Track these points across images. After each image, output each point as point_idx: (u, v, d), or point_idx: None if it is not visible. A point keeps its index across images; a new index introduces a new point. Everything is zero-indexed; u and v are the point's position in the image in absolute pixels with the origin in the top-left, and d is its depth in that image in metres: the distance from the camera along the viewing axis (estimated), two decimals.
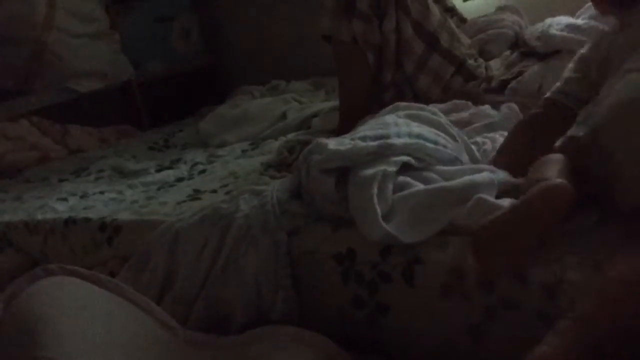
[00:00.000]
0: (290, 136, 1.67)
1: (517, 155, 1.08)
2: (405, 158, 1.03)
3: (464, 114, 1.44)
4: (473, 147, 1.24)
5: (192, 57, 2.54)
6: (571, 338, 0.71)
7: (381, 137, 1.06)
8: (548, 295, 0.86)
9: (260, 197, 1.13)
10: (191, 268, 1.08)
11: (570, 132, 0.93)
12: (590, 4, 1.54)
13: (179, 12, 2.52)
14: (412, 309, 0.98)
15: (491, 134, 1.34)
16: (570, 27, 1.49)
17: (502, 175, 1.07)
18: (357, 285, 1.02)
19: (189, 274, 1.07)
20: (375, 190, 0.96)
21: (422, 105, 1.24)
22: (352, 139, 1.07)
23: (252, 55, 2.47)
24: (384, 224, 0.96)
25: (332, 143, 1.05)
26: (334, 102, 1.76)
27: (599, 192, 0.89)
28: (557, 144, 0.94)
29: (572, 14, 1.59)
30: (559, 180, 0.83)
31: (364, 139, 1.06)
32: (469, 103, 1.48)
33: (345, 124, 1.48)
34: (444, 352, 0.95)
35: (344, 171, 1.04)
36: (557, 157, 0.91)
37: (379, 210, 0.95)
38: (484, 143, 1.29)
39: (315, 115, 1.83)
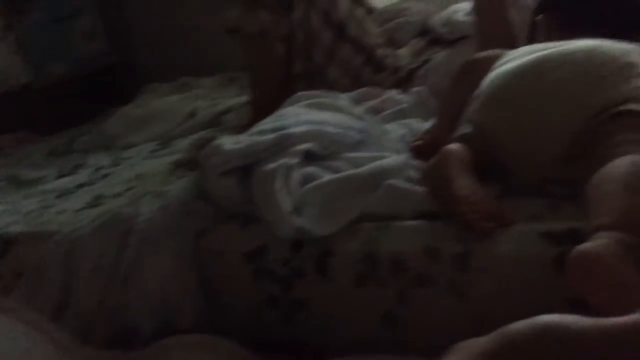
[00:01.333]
0: (201, 134, 1.61)
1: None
2: (306, 146, 1.00)
3: (374, 102, 1.42)
4: (388, 130, 1.22)
5: (97, 56, 2.41)
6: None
7: (280, 128, 1.02)
8: (459, 267, 0.87)
9: (163, 199, 1.07)
10: (89, 280, 1.00)
11: (459, 131, 0.99)
12: None
13: (82, 9, 2.39)
14: (328, 303, 0.96)
15: (405, 120, 1.33)
16: None
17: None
18: (270, 283, 0.99)
19: (87, 287, 1.00)
20: (279, 185, 0.93)
21: (322, 92, 1.22)
22: (250, 135, 1.03)
23: (161, 52, 2.37)
24: (293, 218, 0.92)
25: (228, 143, 1.00)
26: (247, 97, 1.71)
27: (500, 171, 0.94)
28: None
29: None
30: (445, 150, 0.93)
31: (261, 133, 1.02)
32: (380, 90, 1.47)
33: (258, 118, 1.43)
34: (360, 345, 0.92)
35: (247, 168, 1.00)
36: (456, 149, 0.94)
37: (286, 205, 0.92)
38: (397, 129, 1.28)
39: (227, 111, 1.77)
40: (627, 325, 0.56)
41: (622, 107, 0.83)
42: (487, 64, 1.05)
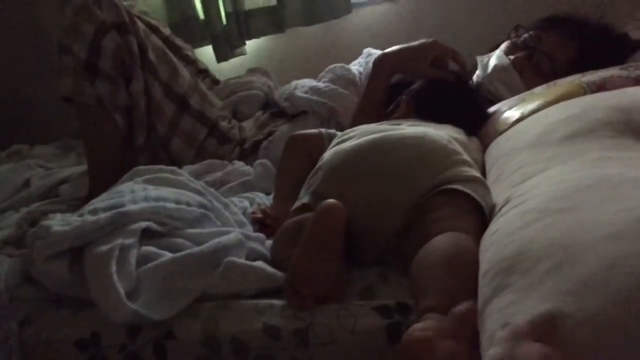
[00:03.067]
0: (34, 207, 1.51)
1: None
2: (143, 224, 0.98)
3: (218, 174, 1.44)
4: (230, 204, 1.23)
5: None
6: None
7: (114, 206, 0.99)
8: (299, 342, 0.88)
9: None
10: None
11: (299, 201, 1.03)
12: (331, 67, 1.68)
13: None
14: None
15: (249, 193, 1.35)
16: (313, 90, 1.59)
17: (253, 235, 1.08)
18: None
19: None
20: (113, 268, 0.89)
21: (161, 167, 1.20)
22: (81, 214, 0.98)
23: None
24: (129, 303, 0.88)
25: (57, 223, 0.95)
26: (85, 166, 1.63)
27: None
28: (291, 212, 1.03)
29: (314, 76, 1.70)
30: (330, 201, 0.91)
31: (94, 212, 0.98)
32: (225, 162, 1.49)
33: (97, 190, 1.38)
34: None
35: (79, 250, 0.95)
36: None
37: (121, 290, 0.88)
38: (241, 201, 1.29)
39: (64, 181, 1.68)
40: None
41: (443, 187, 0.93)
42: (309, 141, 1.22)
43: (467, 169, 0.97)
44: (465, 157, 1.01)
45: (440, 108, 1.23)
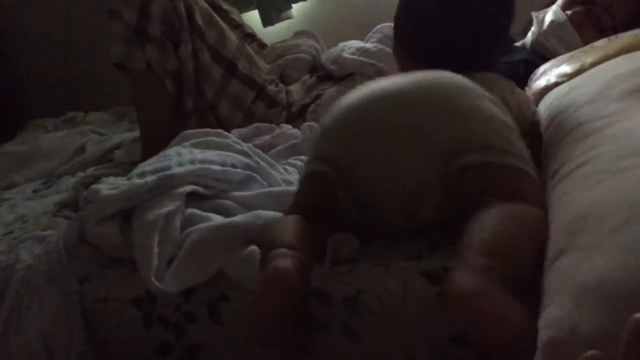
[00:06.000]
0: (89, 171, 1.55)
1: None
2: (189, 188, 0.98)
3: (267, 137, 1.44)
4: (276, 164, 1.23)
5: None
6: None
7: (161, 169, 1.00)
8: (349, 309, 0.88)
9: (44, 244, 1.02)
10: None
11: (312, 167, 0.90)
12: (379, 26, 1.65)
13: None
14: (223, 348, 0.94)
15: (297, 156, 1.35)
16: (361, 51, 1.56)
17: None
18: (162, 330, 0.96)
19: None
20: (155, 239, 0.90)
21: (208, 130, 1.21)
22: (129, 178, 1.00)
23: (45, 85, 2.27)
24: (155, 282, 0.90)
25: (106, 187, 0.97)
26: (138, 133, 1.67)
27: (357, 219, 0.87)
28: (304, 180, 0.92)
29: (361, 38, 1.67)
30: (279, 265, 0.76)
31: (141, 175, 0.99)
32: (273, 125, 1.49)
33: (149, 155, 1.40)
34: None
35: (130, 212, 0.97)
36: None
37: (154, 265, 0.90)
38: (292, 165, 1.29)
39: (117, 147, 1.72)
40: None
41: (480, 158, 0.80)
42: None
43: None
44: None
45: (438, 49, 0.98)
